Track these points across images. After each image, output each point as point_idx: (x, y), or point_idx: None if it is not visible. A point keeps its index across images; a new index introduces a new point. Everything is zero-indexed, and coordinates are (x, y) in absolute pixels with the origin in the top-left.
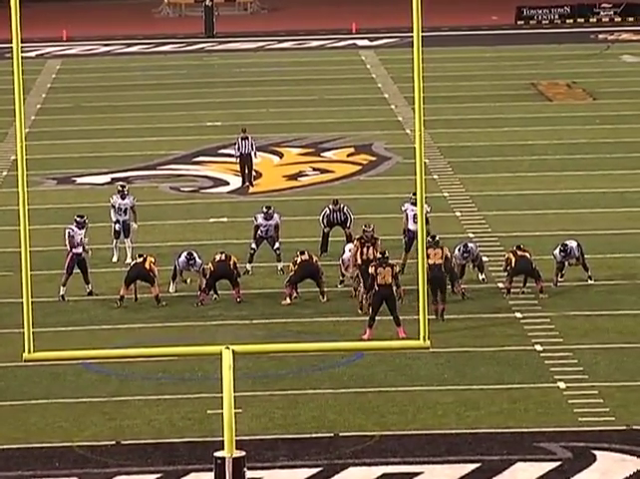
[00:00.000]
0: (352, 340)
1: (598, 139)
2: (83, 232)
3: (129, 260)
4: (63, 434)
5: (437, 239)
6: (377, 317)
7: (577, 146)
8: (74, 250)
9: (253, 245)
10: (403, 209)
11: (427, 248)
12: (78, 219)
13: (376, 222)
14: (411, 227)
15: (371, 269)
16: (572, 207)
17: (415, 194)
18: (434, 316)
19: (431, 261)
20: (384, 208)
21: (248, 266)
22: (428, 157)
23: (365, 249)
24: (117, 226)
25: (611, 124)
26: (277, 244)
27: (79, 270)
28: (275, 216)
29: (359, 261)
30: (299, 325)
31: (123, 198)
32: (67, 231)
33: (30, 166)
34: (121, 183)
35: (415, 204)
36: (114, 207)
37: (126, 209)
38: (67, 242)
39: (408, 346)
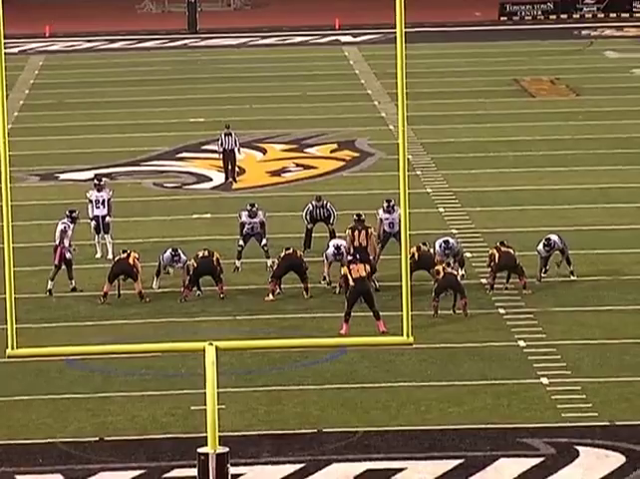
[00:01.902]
0: (335, 336)
1: (581, 135)
2: (73, 226)
3: (110, 256)
4: (46, 430)
5: (451, 264)
6: (360, 313)
7: (560, 142)
8: (61, 244)
9: (241, 242)
10: (377, 216)
11: (443, 267)
12: (73, 214)
13: None
14: (386, 229)
15: (343, 269)
16: (555, 203)
17: (389, 201)
18: (433, 313)
19: (447, 271)
20: (367, 203)
21: (238, 263)
22: (411, 153)
23: (357, 234)
24: (93, 222)
25: (594, 120)
26: (264, 241)
27: (63, 266)
28: (259, 213)
29: (351, 250)
30: (282, 321)
31: (99, 190)
32: (62, 225)
33: (13, 162)
34: (97, 177)
35: (389, 212)
36: (91, 201)
37: (103, 200)
38: (57, 236)
39: (391, 342)
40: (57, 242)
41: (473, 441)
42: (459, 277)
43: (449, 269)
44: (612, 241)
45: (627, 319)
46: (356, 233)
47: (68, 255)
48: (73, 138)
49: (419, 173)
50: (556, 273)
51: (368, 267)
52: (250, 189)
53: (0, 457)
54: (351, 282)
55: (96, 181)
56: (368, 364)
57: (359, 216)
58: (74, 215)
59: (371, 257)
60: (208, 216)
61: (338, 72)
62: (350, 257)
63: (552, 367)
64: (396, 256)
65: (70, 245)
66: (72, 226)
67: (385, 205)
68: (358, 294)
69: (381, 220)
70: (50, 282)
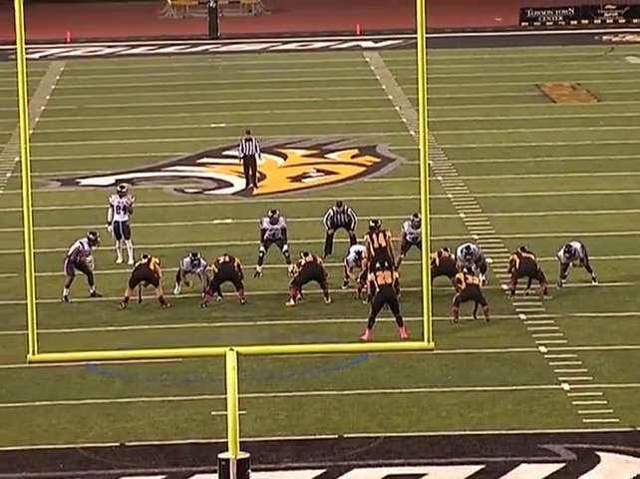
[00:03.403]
0: (356, 342)
1: (602, 140)
2: (92, 249)
3: (130, 262)
4: (67, 436)
5: (472, 270)
6: (381, 319)
7: (581, 147)
8: (70, 258)
9: (262, 248)
10: (403, 229)
11: (465, 274)
12: (90, 236)
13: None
14: (409, 240)
15: (370, 276)
16: (576, 208)
17: (416, 215)
18: (454, 318)
19: (469, 282)
20: (388, 209)
21: (259, 268)
22: (432, 158)
23: (375, 237)
24: (110, 227)
25: (615, 125)
26: (286, 247)
27: (81, 272)
28: (281, 219)
29: (372, 252)
30: (303, 327)
31: (121, 196)
32: (77, 244)
33: (34, 167)
34: (121, 184)
35: (415, 227)
36: (112, 205)
37: (124, 207)
38: (70, 251)
39: (412, 348)
40: (68, 253)
41: (493, 447)
42: (480, 286)
43: (470, 280)
44: (633, 247)
45: None
46: (374, 236)
47: (90, 265)
48: (94, 143)
49: (440, 178)
50: (578, 280)
51: (396, 274)
52: (271, 194)
53: (21, 462)
54: (377, 289)
55: (119, 187)
56: (389, 370)
57: (375, 222)
58: (91, 237)
59: (353, 274)
60: (229, 221)
61: (359, 77)
62: (370, 263)
63: (573, 373)
64: (417, 262)
65: (89, 260)
66: (88, 248)
67: (413, 219)
68: (383, 301)
69: (405, 233)
70: (65, 290)
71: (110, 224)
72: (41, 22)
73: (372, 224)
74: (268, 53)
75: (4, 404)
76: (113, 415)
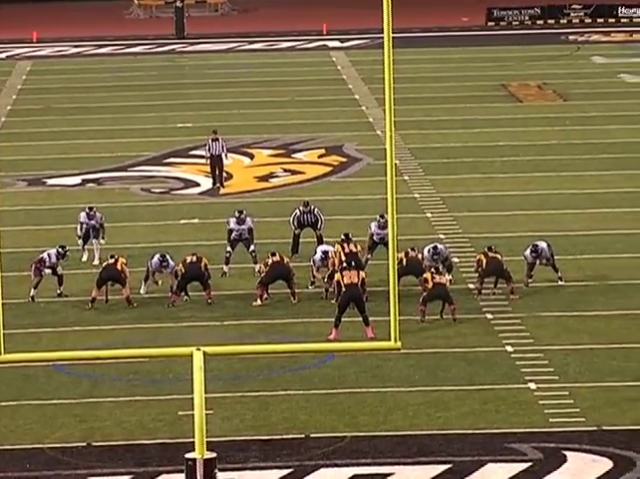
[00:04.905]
0: (323, 342)
1: (568, 140)
2: (60, 261)
3: (96, 262)
4: (33, 436)
5: (440, 269)
6: (348, 319)
7: (547, 147)
8: (35, 264)
9: (228, 249)
10: (369, 229)
11: (432, 274)
12: (60, 249)
13: (346, 223)
14: (375, 240)
15: (337, 276)
16: (543, 208)
17: (382, 216)
18: (420, 318)
19: (436, 281)
20: (354, 209)
21: (225, 268)
22: (398, 158)
23: (346, 245)
24: (80, 241)
25: (581, 125)
26: (252, 247)
27: (47, 274)
28: (248, 219)
29: (343, 257)
30: (270, 326)
31: (90, 219)
32: (44, 255)
33: (0, 167)
34: (89, 206)
35: (382, 228)
36: (81, 223)
37: (93, 226)
38: (37, 259)
39: (379, 347)
40: (35, 260)
41: (460, 446)
42: (447, 285)
43: (437, 279)
44: (599, 247)
45: (614, 324)
46: (345, 244)
47: (59, 269)
48: (60, 143)
49: (406, 178)
50: (544, 279)
51: (362, 274)
52: (238, 194)
53: None
54: (343, 288)
55: (87, 209)
56: (356, 369)
57: (346, 235)
58: (60, 251)
59: (319, 274)
60: (196, 221)
61: (326, 77)
62: (340, 265)
63: (540, 372)
64: (383, 262)
65: (55, 272)
66: (55, 260)
67: (379, 220)
68: (349, 300)
69: (372, 234)
70: (33, 290)
71: (79, 237)
72: (7, 22)
73: (343, 237)
74: (235, 53)
75: None
76: (79, 415)
